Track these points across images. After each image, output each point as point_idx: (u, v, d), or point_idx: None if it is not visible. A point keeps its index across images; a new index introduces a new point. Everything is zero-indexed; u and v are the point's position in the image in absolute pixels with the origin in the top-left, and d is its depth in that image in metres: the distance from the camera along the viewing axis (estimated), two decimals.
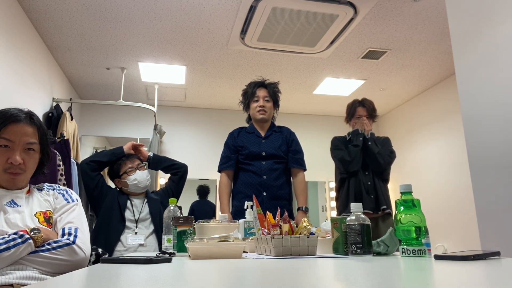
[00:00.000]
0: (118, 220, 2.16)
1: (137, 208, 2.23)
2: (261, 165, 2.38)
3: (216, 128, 5.24)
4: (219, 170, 2.48)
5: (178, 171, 2.42)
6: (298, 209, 2.41)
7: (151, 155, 2.43)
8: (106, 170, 2.39)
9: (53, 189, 1.39)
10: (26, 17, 3.06)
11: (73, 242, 1.21)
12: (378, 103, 5.17)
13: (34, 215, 1.26)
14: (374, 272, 0.69)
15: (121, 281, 0.61)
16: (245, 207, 1.75)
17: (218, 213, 4.67)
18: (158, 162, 2.45)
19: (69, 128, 3.66)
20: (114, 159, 2.32)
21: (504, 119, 1.84)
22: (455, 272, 0.66)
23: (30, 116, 1.29)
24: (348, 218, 1.24)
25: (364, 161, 2.60)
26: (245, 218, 1.70)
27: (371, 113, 2.72)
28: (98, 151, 4.74)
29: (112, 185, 2.36)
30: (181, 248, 1.39)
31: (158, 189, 3.93)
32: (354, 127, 2.71)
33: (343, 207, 2.55)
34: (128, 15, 3.10)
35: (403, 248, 1.11)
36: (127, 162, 2.30)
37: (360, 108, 2.72)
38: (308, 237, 1.16)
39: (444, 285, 0.51)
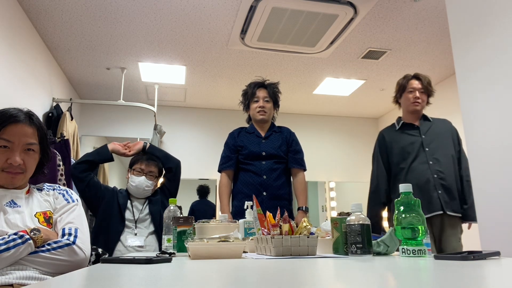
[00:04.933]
0: (118, 221, 2.15)
1: (137, 209, 2.23)
2: (261, 165, 2.38)
3: (216, 128, 5.24)
4: (219, 170, 2.48)
5: (170, 166, 2.38)
6: (298, 209, 2.41)
7: (146, 145, 2.41)
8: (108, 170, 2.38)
9: (53, 189, 1.39)
10: (26, 17, 3.06)
11: (73, 243, 1.20)
12: (378, 103, 5.17)
13: (34, 215, 1.26)
14: (374, 272, 0.69)
15: (121, 281, 0.61)
16: (245, 207, 1.75)
17: (218, 213, 4.67)
18: (151, 152, 2.42)
19: (69, 128, 3.66)
20: (99, 159, 2.29)
21: (504, 119, 1.84)
22: (455, 272, 0.66)
23: (29, 116, 1.29)
24: (348, 218, 1.24)
25: None
26: (245, 218, 1.70)
27: (427, 87, 2.33)
28: None
29: (111, 185, 2.35)
30: (181, 248, 1.39)
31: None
32: (407, 101, 2.34)
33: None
34: (128, 15, 3.10)
35: (403, 248, 1.11)
36: (143, 162, 2.28)
37: (414, 81, 2.35)
38: (308, 237, 1.16)
39: (444, 285, 0.51)
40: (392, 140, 2.36)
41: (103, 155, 2.30)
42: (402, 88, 2.38)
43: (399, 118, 2.42)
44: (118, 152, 2.34)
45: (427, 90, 2.33)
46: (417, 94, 2.31)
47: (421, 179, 2.20)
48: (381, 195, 2.32)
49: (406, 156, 2.28)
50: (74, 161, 2.28)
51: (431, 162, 2.21)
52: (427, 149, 2.25)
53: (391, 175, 2.33)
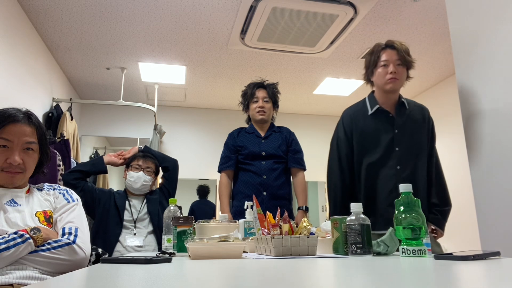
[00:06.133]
0: (116, 222, 2.15)
1: (136, 208, 2.24)
2: (261, 165, 2.38)
3: (216, 128, 5.24)
4: (219, 170, 2.48)
5: (166, 166, 2.41)
6: (298, 208, 2.42)
7: (141, 147, 2.46)
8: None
9: (54, 189, 1.39)
10: (26, 17, 3.06)
11: (73, 242, 1.21)
12: None
13: (35, 214, 1.26)
14: (374, 272, 0.69)
15: (121, 281, 0.61)
16: (245, 207, 1.75)
17: (218, 213, 4.67)
18: (147, 151, 2.46)
19: (69, 128, 3.66)
20: (93, 170, 2.31)
21: (504, 119, 1.84)
22: (455, 272, 0.66)
23: (28, 116, 1.29)
24: (348, 218, 1.24)
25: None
26: (245, 218, 1.70)
27: (404, 58, 1.81)
28: (98, 151, 4.77)
29: (110, 186, 2.35)
30: (181, 248, 1.39)
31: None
32: (380, 78, 1.84)
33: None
34: (128, 15, 3.10)
35: (403, 248, 1.11)
36: (140, 159, 2.31)
37: (388, 52, 1.81)
38: (308, 237, 1.16)
39: (444, 285, 0.51)
40: (360, 128, 1.89)
41: (97, 167, 2.32)
42: (373, 63, 1.84)
43: (373, 97, 1.91)
44: (115, 164, 2.38)
45: (405, 61, 1.81)
46: (392, 68, 1.79)
47: (384, 188, 1.80)
48: (341, 195, 1.89)
49: (372, 154, 1.85)
50: (73, 164, 2.28)
51: (398, 167, 1.83)
52: (396, 148, 1.84)
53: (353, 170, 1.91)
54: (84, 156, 4.53)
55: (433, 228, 1.90)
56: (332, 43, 3.53)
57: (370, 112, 1.90)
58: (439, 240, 2.02)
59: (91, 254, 1.38)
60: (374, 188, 1.83)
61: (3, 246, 1.09)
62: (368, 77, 1.93)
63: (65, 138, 3.19)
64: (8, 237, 1.11)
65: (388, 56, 1.81)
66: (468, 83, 2.07)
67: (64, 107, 3.94)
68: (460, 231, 4.11)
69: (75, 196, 1.41)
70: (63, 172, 2.68)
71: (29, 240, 1.13)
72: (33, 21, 3.15)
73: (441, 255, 0.98)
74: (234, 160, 2.46)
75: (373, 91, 1.95)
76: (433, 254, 1.05)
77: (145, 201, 2.27)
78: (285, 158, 2.45)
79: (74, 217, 1.31)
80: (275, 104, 2.55)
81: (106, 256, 1.56)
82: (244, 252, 1.38)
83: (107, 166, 2.38)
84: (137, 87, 4.54)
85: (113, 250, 2.09)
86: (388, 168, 1.82)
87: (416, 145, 1.87)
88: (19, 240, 1.11)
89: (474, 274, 0.63)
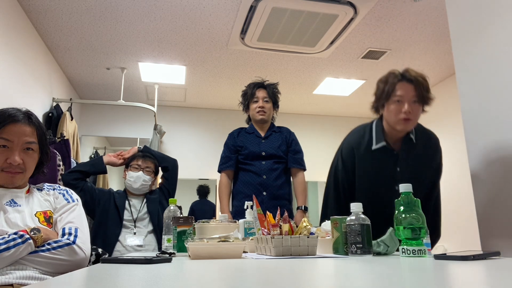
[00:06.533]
0: (116, 222, 2.16)
1: (136, 208, 2.24)
2: (261, 165, 2.38)
3: (216, 128, 5.24)
4: (219, 170, 2.48)
5: (166, 165, 2.42)
6: (298, 208, 2.42)
7: (141, 147, 2.47)
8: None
9: (54, 189, 1.39)
10: (26, 17, 3.06)
11: (73, 242, 1.20)
12: None
13: (34, 214, 1.26)
14: (374, 272, 0.69)
15: (121, 281, 0.61)
16: (245, 207, 1.75)
17: (218, 213, 4.67)
18: (147, 151, 2.46)
19: (69, 128, 3.66)
20: (93, 170, 2.31)
21: (504, 119, 1.84)
22: (455, 272, 0.66)
23: (28, 116, 1.29)
24: (348, 218, 1.24)
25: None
26: (245, 218, 1.70)
27: (422, 95, 1.58)
28: (98, 151, 4.77)
29: (110, 186, 2.36)
30: (181, 248, 1.39)
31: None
32: (392, 116, 1.62)
33: None
34: (128, 15, 3.10)
35: (403, 248, 1.11)
36: (139, 159, 2.32)
37: (404, 86, 1.57)
38: (308, 237, 1.16)
39: (444, 285, 0.51)
40: (360, 163, 1.74)
41: (97, 167, 2.33)
42: (385, 95, 1.61)
43: (380, 128, 1.72)
44: (114, 164, 2.39)
45: (423, 99, 1.59)
46: (407, 106, 1.57)
47: (384, 226, 1.61)
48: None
49: (372, 191, 1.73)
50: (73, 164, 2.28)
51: None
52: (396, 188, 1.71)
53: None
54: (84, 156, 4.53)
55: None
56: (332, 43, 3.53)
57: (374, 146, 1.72)
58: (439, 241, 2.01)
59: (91, 254, 1.38)
60: (373, 225, 1.75)
61: (3, 246, 1.09)
62: (377, 108, 1.71)
63: (65, 138, 3.19)
64: (8, 237, 1.11)
65: (404, 91, 1.58)
66: (468, 83, 2.07)
67: (64, 107, 3.94)
68: (460, 231, 4.11)
69: (75, 196, 1.40)
70: (63, 172, 2.68)
71: (29, 241, 1.13)
72: (33, 21, 3.15)
73: (441, 255, 0.98)
74: (234, 160, 2.46)
75: (381, 116, 1.76)
76: (433, 254, 1.05)
77: (145, 200, 2.28)
78: (285, 158, 2.45)
79: (74, 217, 1.31)
80: (275, 104, 2.55)
81: (106, 256, 1.56)
82: (244, 252, 1.38)
83: (107, 166, 2.38)
84: (137, 87, 4.54)
85: (113, 250, 2.09)
86: (388, 207, 1.68)
87: (417, 184, 1.68)
88: (19, 240, 1.11)
89: (474, 274, 0.63)
